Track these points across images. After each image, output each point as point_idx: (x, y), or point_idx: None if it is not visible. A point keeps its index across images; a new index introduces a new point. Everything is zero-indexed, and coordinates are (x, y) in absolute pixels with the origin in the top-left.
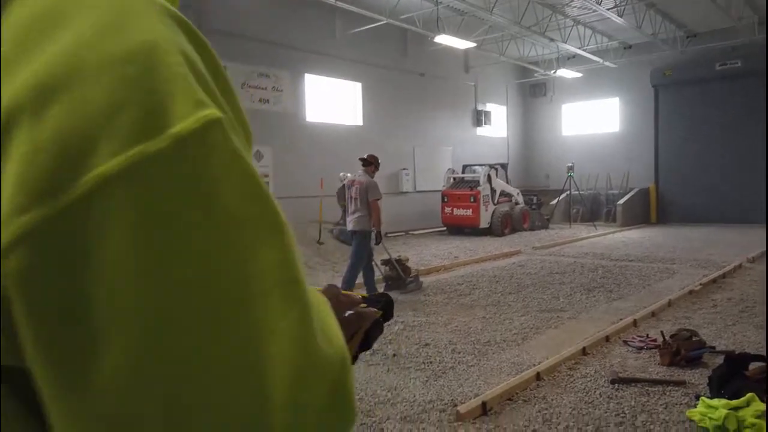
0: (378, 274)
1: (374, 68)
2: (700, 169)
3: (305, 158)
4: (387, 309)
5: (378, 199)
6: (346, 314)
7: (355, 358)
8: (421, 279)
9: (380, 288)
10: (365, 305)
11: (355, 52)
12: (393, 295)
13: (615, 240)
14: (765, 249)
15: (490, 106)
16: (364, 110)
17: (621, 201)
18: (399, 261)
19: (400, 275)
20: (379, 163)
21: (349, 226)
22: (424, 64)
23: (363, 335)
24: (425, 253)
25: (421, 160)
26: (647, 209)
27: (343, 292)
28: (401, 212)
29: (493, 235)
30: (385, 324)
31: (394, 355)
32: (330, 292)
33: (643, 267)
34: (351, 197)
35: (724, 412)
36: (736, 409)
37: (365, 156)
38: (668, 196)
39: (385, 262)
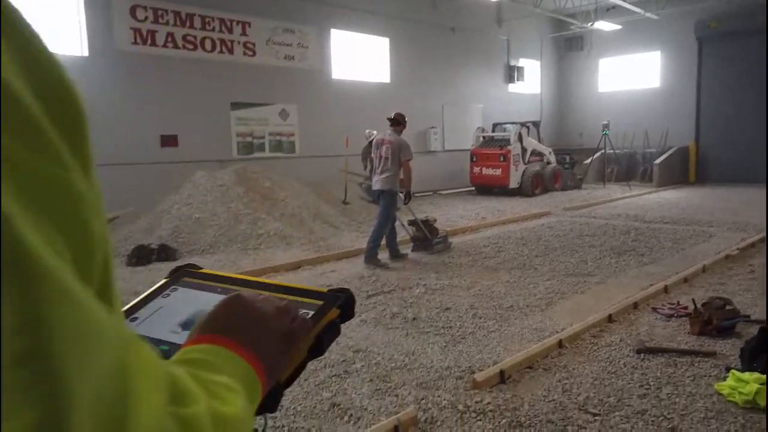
0: (405, 235)
1: (402, 22)
2: (744, 126)
3: (331, 116)
4: (345, 308)
5: (409, 159)
6: (289, 323)
7: (301, 368)
8: (450, 240)
9: (405, 249)
10: (319, 301)
11: (383, 5)
12: (418, 256)
13: (650, 201)
14: None
15: (523, 62)
16: (391, 67)
17: (658, 160)
18: (426, 221)
19: (427, 236)
20: (406, 122)
21: (377, 186)
22: (455, 17)
23: (314, 340)
24: (452, 214)
25: (450, 119)
26: (686, 168)
27: (259, 292)
28: (429, 172)
29: (522, 196)
30: (405, 290)
31: (414, 318)
32: (235, 303)
33: (678, 230)
34: (380, 156)
35: (755, 386)
36: (767, 383)
37: (392, 115)
38: (709, 154)
39: (411, 223)
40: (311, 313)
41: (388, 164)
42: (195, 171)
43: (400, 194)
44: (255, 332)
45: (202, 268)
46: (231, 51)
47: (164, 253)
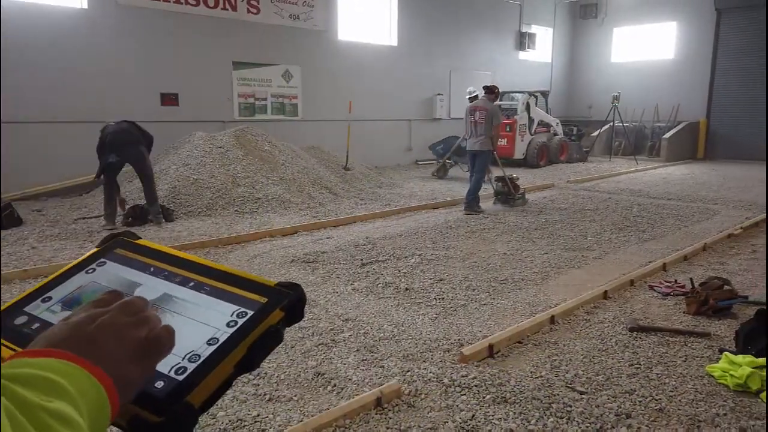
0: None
1: None
2: (758, 102)
3: (335, 79)
4: (292, 309)
5: (500, 124)
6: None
7: (226, 386)
8: (528, 197)
9: (484, 204)
10: (263, 298)
11: None
12: (498, 207)
13: (656, 176)
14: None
15: (535, 28)
16: (399, 29)
17: (667, 135)
18: (511, 178)
19: (511, 191)
20: (499, 92)
21: (474, 147)
22: None
23: (245, 351)
24: (454, 183)
25: (457, 86)
26: (695, 144)
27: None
28: (434, 139)
29: (527, 167)
30: (400, 260)
31: (407, 289)
32: (79, 317)
33: (682, 206)
34: (475, 121)
35: (747, 370)
36: (761, 368)
37: (488, 84)
38: (720, 131)
39: (499, 179)
40: (249, 312)
41: (482, 129)
42: (195, 131)
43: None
44: (103, 345)
45: (139, 238)
46: (234, 7)
47: (161, 214)
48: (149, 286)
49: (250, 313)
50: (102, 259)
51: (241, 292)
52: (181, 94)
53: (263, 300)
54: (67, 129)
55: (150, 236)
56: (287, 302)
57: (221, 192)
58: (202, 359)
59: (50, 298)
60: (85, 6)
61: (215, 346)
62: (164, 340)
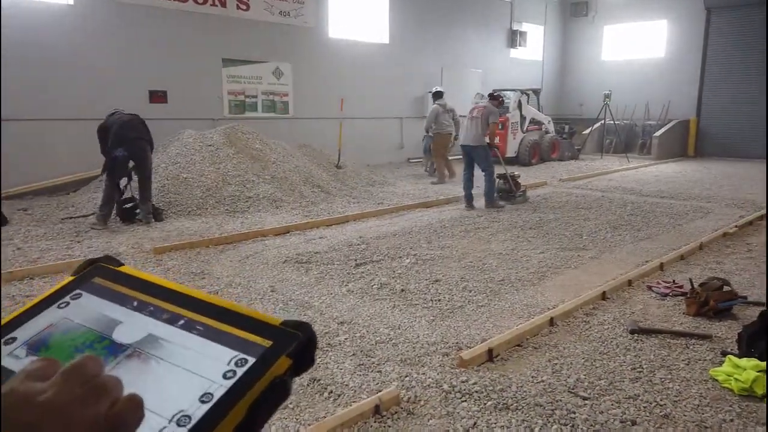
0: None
1: None
2: (748, 100)
3: (326, 77)
4: (301, 355)
5: (495, 122)
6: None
7: None
8: (528, 194)
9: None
10: (268, 341)
11: None
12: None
13: (647, 174)
14: None
15: (526, 26)
16: (390, 27)
17: (658, 132)
18: (512, 176)
19: (512, 188)
20: (503, 100)
21: (467, 141)
22: None
23: (246, 412)
24: (445, 182)
25: (448, 83)
26: (685, 142)
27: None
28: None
29: (519, 165)
30: (395, 260)
31: (403, 290)
32: (16, 397)
33: (675, 204)
34: (471, 117)
35: (753, 374)
36: (765, 371)
37: (492, 92)
38: (710, 129)
39: (500, 176)
40: (250, 360)
41: (477, 124)
42: (184, 129)
43: (496, 149)
44: None
45: (121, 264)
46: (224, 4)
47: (151, 213)
48: (131, 325)
49: (252, 360)
50: (77, 291)
51: (240, 333)
52: (170, 92)
53: (267, 343)
54: (53, 126)
55: (139, 236)
56: (296, 346)
57: (211, 191)
58: (193, 422)
59: (15, 338)
60: (72, 2)
61: (209, 405)
62: (129, 416)
